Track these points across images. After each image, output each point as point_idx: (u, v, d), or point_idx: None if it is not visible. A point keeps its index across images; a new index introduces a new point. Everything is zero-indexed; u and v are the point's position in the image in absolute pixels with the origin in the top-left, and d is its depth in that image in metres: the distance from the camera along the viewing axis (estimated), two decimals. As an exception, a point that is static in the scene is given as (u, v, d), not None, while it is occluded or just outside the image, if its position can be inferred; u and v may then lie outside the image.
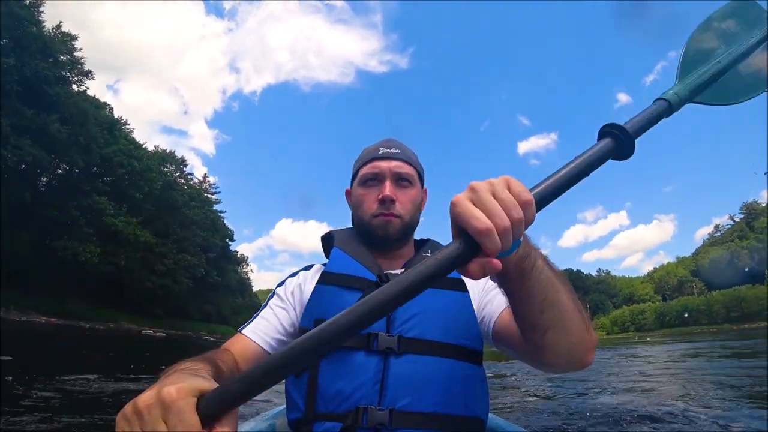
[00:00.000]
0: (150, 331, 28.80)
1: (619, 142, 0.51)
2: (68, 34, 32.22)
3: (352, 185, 1.02)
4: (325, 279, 0.89)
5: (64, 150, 27.47)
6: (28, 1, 27.31)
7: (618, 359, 13.41)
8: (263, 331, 0.86)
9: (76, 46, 32.26)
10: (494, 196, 0.44)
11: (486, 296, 0.90)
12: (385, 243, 0.94)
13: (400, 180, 0.94)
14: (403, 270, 0.91)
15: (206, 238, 47.08)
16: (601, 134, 0.53)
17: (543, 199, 0.46)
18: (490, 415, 0.97)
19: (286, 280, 0.98)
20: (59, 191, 28.73)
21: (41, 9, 28.05)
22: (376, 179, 0.94)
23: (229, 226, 57.59)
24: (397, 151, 0.96)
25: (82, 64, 32.54)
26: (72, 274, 29.23)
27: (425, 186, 1.04)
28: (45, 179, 30.85)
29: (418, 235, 1.04)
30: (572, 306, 0.63)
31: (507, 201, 0.43)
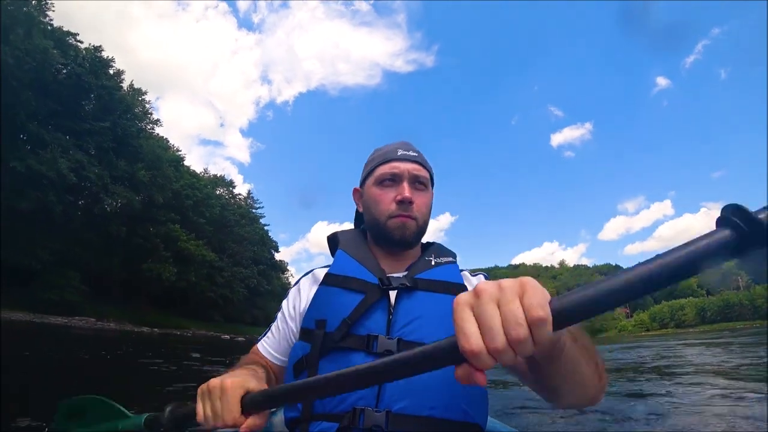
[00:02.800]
0: (227, 337, 33.24)
1: (742, 233, 0.34)
2: (139, 90, 38.82)
3: (363, 184, 1.01)
4: (328, 280, 0.90)
5: (147, 190, 33.79)
6: (113, 71, 33.86)
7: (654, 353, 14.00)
8: (272, 347, 0.94)
9: (146, 98, 38.99)
10: (499, 306, 0.38)
11: None
12: (400, 244, 0.93)
13: (416, 183, 0.94)
14: (406, 273, 0.90)
15: (256, 252, 53.32)
16: (720, 221, 0.37)
17: (573, 314, 0.37)
18: (489, 419, 0.96)
19: (289, 292, 0.99)
20: (143, 222, 35.11)
21: (123, 77, 34.67)
22: (394, 180, 0.94)
23: (273, 238, 64.02)
24: (414, 153, 0.96)
25: (151, 113, 39.19)
26: (152, 289, 35.69)
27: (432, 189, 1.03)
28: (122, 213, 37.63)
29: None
30: (590, 370, 0.64)
31: (510, 316, 0.37)
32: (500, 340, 0.37)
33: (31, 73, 23.07)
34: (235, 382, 0.65)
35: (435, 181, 1.03)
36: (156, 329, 29.35)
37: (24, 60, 22.34)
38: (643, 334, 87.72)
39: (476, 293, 0.40)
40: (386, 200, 0.93)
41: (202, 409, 0.66)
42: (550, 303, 0.37)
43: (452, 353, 0.40)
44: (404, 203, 0.91)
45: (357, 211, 1.08)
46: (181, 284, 37.52)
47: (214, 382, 0.66)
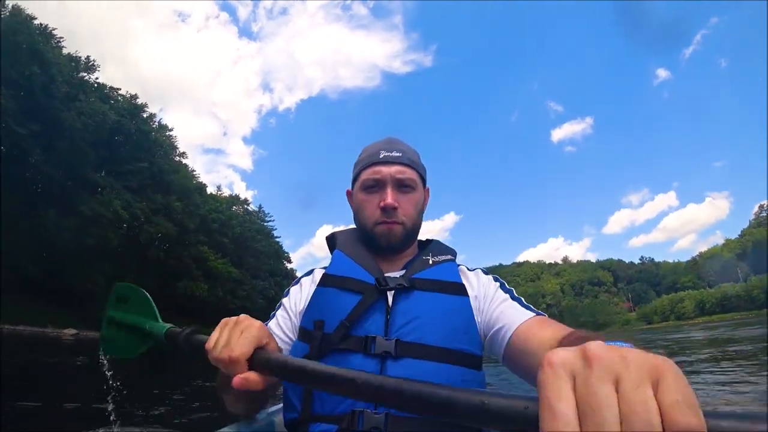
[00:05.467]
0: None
1: None
2: (165, 126, 43.86)
3: (353, 187, 1.00)
4: (325, 281, 0.90)
5: (180, 218, 38.65)
6: (146, 114, 38.86)
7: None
8: (279, 328, 0.90)
9: (171, 134, 43.92)
10: (619, 389, 0.25)
11: (494, 304, 0.85)
12: (387, 250, 0.94)
13: (401, 186, 0.93)
14: (404, 271, 0.90)
15: (272, 265, 58.22)
16: None
17: None
18: None
19: (290, 289, 0.99)
20: (177, 246, 39.95)
21: (154, 119, 39.79)
22: (377, 185, 0.93)
23: (286, 251, 68.97)
24: (398, 154, 0.94)
25: (177, 147, 44.15)
26: (187, 304, 40.47)
27: (427, 185, 1.02)
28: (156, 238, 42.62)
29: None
30: None
31: (640, 409, 0.24)
32: None
33: (94, 134, 27.90)
34: (263, 329, 0.62)
35: (427, 178, 1.02)
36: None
37: (87, 123, 27.21)
38: (644, 327, 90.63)
39: (587, 358, 0.27)
40: (371, 207, 0.93)
41: (216, 336, 0.62)
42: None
43: (522, 423, 0.29)
44: (387, 210, 0.90)
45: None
46: (211, 299, 42.31)
47: (244, 317, 0.65)
